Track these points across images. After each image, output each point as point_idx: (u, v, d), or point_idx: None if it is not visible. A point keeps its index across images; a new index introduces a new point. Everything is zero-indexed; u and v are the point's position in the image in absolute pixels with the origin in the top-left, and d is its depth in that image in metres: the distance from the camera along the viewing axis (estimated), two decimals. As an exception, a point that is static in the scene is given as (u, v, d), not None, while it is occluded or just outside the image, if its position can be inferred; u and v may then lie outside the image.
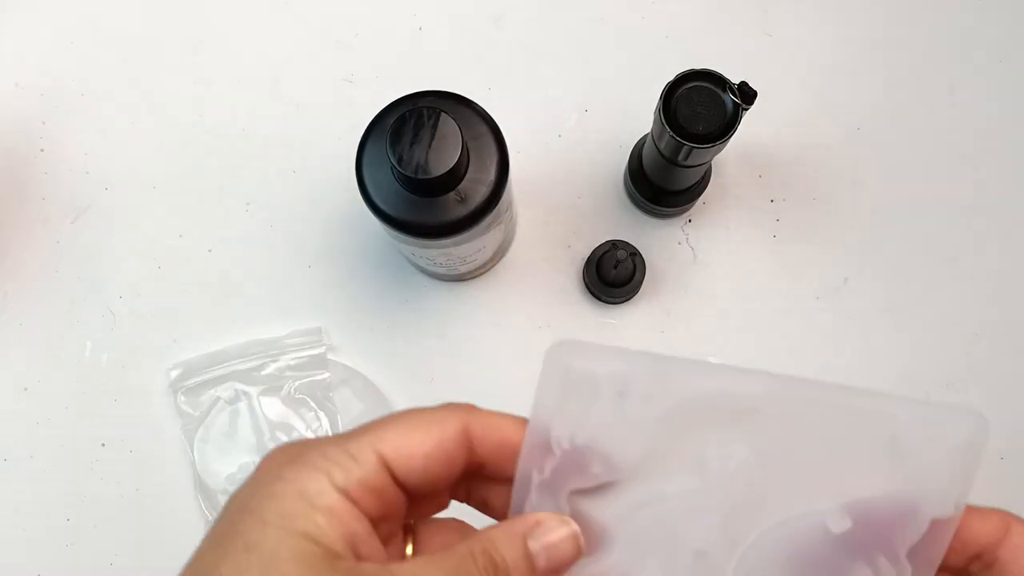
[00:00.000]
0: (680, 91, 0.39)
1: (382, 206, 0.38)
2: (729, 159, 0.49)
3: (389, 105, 0.39)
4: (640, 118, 0.48)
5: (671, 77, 0.39)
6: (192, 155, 0.50)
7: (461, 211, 0.37)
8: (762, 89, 0.39)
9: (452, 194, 0.37)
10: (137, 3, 0.52)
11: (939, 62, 0.50)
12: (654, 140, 0.42)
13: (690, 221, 0.49)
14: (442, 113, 0.35)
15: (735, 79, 0.39)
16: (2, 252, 0.49)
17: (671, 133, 0.39)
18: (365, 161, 0.38)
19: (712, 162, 0.48)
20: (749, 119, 0.41)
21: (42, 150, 0.50)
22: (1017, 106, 0.50)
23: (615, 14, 0.51)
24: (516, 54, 0.51)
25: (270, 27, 0.52)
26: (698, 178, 0.46)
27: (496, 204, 0.38)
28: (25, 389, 0.48)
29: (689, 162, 0.41)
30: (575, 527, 0.25)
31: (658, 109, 0.39)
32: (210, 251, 0.49)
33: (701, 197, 0.48)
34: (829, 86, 0.50)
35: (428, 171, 0.35)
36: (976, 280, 0.48)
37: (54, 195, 0.50)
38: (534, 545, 0.25)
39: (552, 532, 0.25)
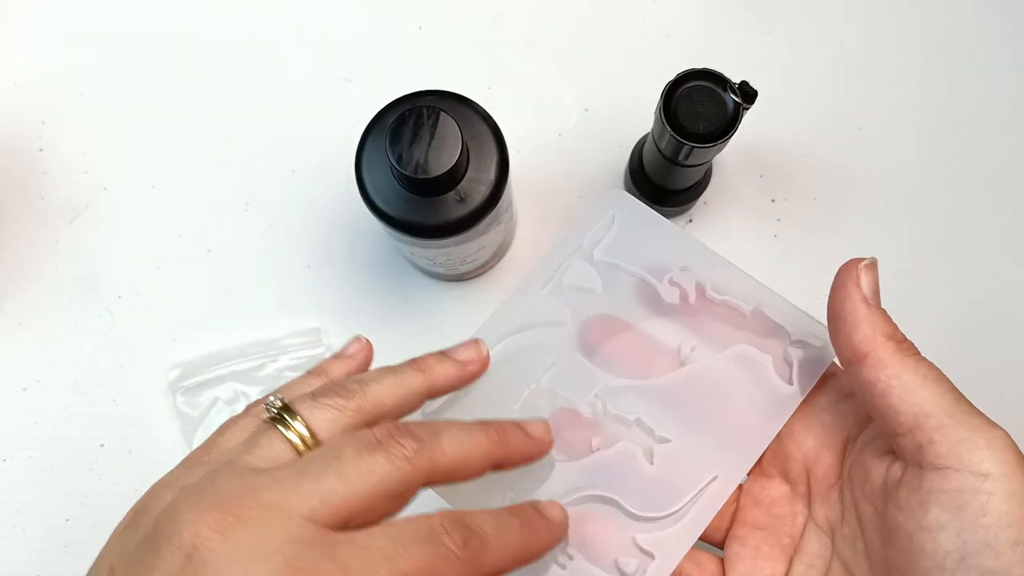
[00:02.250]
0: (681, 90, 0.39)
1: (381, 206, 0.38)
2: (730, 159, 0.49)
3: (388, 104, 0.39)
4: (640, 118, 0.48)
5: (671, 76, 0.39)
6: (191, 155, 0.50)
7: (461, 211, 0.37)
8: (763, 89, 0.39)
9: (452, 194, 0.37)
10: (136, 3, 0.52)
11: (939, 62, 0.50)
12: (654, 139, 0.42)
13: (691, 221, 0.49)
14: (442, 112, 0.35)
15: (736, 78, 0.38)
16: (1, 252, 0.49)
17: (671, 132, 0.38)
18: (364, 161, 0.38)
19: (713, 162, 0.48)
20: (750, 119, 0.41)
21: (41, 150, 0.50)
22: (1017, 106, 0.50)
23: (615, 14, 0.51)
24: (516, 53, 0.51)
25: (269, 26, 0.52)
26: (699, 178, 0.46)
27: (496, 204, 0.38)
28: (24, 389, 0.48)
29: (690, 162, 0.41)
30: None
31: (658, 108, 0.39)
32: (209, 251, 0.49)
33: (702, 197, 0.48)
34: (829, 86, 0.50)
35: (428, 171, 0.35)
36: (978, 280, 0.48)
37: (53, 195, 0.50)
38: None
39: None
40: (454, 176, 0.36)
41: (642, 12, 0.51)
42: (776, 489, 0.32)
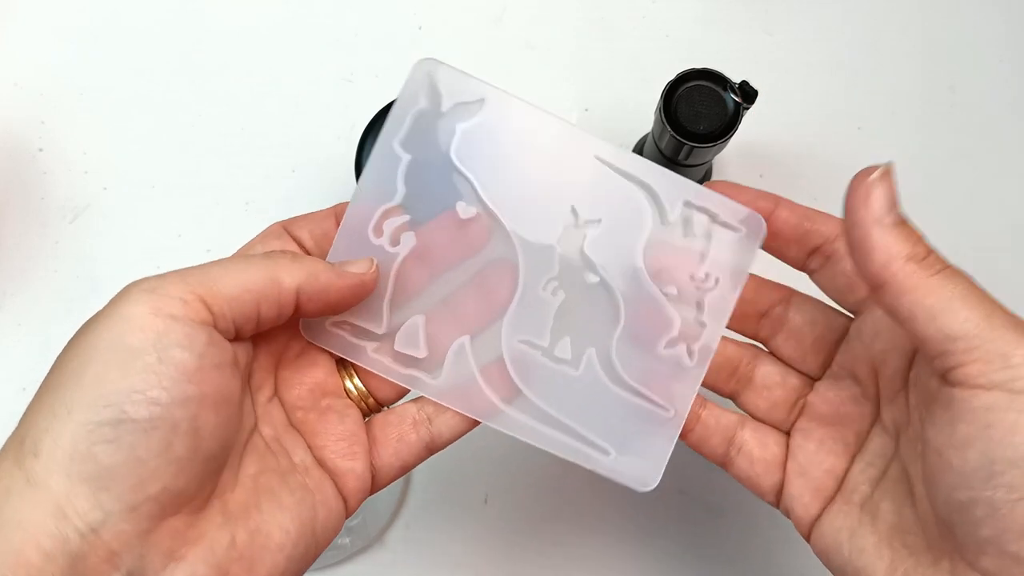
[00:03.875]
0: (681, 90, 0.39)
1: (382, 205, 0.38)
2: (730, 158, 0.49)
3: (388, 104, 0.39)
4: (640, 118, 0.48)
5: (671, 76, 0.39)
6: (191, 155, 0.50)
7: (461, 210, 0.37)
8: (763, 88, 0.39)
9: (452, 193, 0.37)
10: (136, 3, 0.52)
11: (939, 62, 0.50)
12: (655, 139, 0.42)
13: (690, 221, 0.49)
14: (442, 112, 0.35)
15: (736, 78, 0.38)
16: (1, 252, 0.49)
17: (672, 132, 0.38)
18: (365, 160, 0.38)
19: (713, 162, 0.48)
20: (750, 118, 0.41)
21: (41, 150, 0.50)
22: (1017, 106, 0.50)
23: (615, 14, 0.51)
24: (516, 53, 0.51)
25: (270, 26, 0.52)
26: (699, 177, 0.46)
27: (496, 203, 0.38)
28: (24, 389, 0.48)
29: (690, 161, 0.41)
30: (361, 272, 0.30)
31: (659, 108, 0.39)
32: (209, 251, 0.49)
33: (701, 197, 0.48)
34: (829, 86, 0.50)
35: (428, 170, 0.35)
36: (978, 280, 0.48)
37: (53, 195, 0.50)
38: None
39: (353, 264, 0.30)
40: (454, 176, 0.36)
41: (642, 12, 0.51)
42: (846, 389, 0.31)
